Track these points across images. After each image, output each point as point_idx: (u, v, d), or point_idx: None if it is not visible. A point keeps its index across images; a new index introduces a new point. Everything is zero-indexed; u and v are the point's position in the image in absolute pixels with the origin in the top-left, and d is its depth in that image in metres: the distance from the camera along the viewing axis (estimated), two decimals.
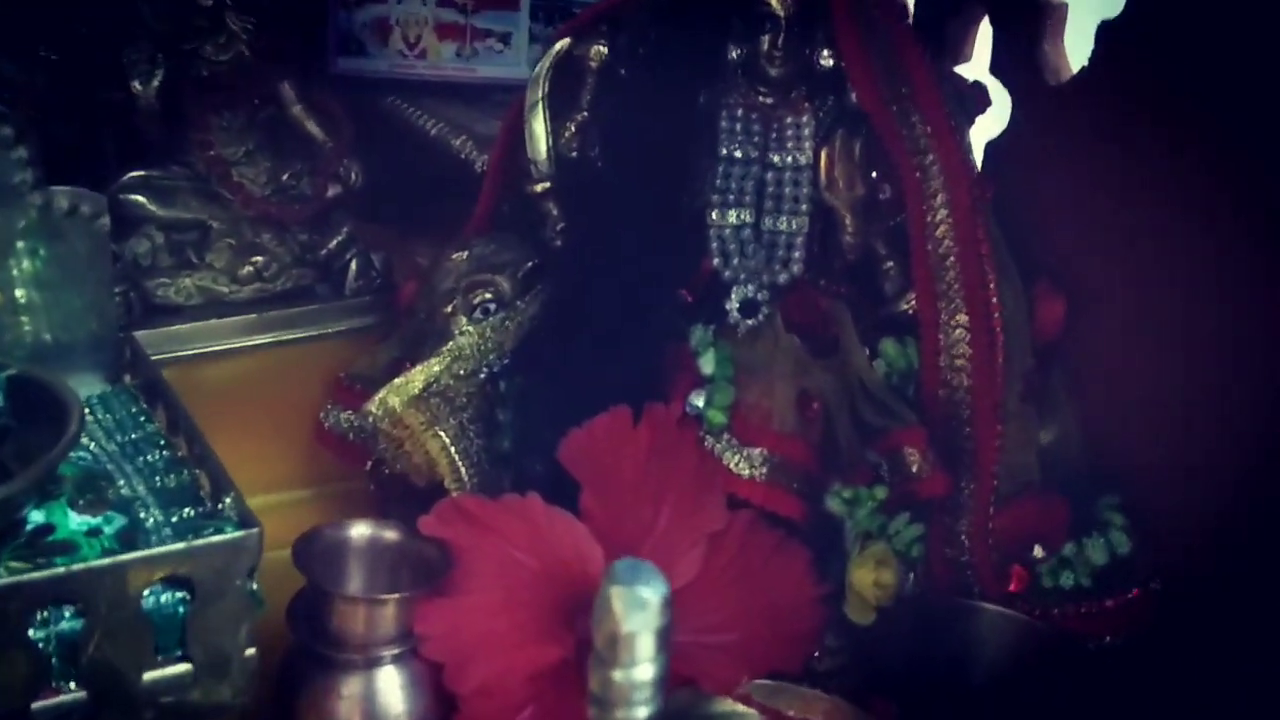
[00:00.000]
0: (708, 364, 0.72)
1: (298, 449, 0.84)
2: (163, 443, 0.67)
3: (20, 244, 0.73)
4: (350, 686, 0.62)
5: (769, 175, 0.75)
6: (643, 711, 0.38)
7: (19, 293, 0.74)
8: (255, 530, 0.58)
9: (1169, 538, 0.75)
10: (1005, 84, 0.82)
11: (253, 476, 0.65)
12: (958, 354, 0.76)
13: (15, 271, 0.73)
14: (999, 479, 0.76)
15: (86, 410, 0.70)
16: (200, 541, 0.56)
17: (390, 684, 0.62)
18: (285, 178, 0.87)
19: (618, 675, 0.37)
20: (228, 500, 0.60)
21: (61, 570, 0.53)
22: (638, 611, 0.37)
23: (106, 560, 0.54)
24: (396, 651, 0.62)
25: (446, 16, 1.06)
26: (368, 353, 0.84)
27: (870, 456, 0.75)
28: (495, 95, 1.06)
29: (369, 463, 0.80)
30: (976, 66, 0.85)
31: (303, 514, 0.75)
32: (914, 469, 0.74)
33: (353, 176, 0.88)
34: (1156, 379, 0.75)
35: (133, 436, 0.68)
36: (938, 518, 0.76)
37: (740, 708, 0.68)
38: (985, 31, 0.85)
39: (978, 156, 0.82)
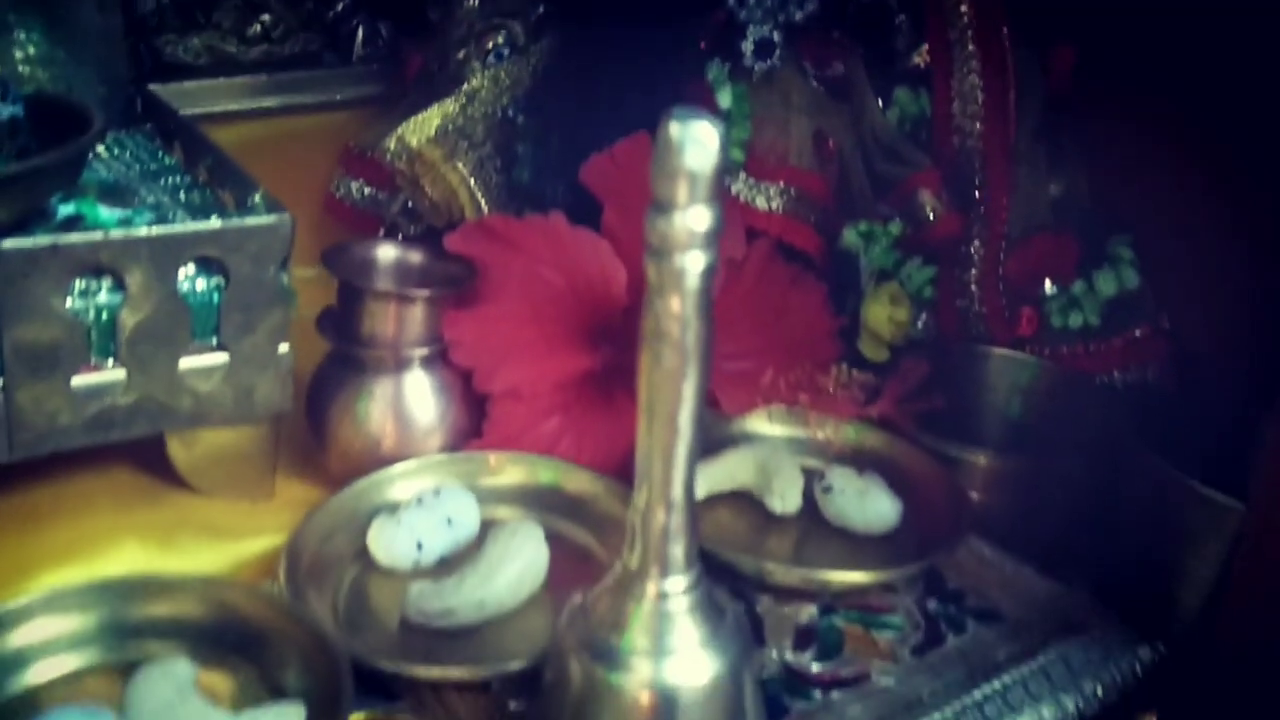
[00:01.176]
0: (724, 98, 0.72)
1: (307, 221, 0.84)
2: (182, 171, 0.67)
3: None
4: (381, 388, 0.62)
5: None
6: (700, 259, 0.38)
7: (31, 48, 0.74)
8: (286, 215, 0.58)
9: (1176, 279, 0.76)
10: None
11: None
12: (971, 100, 0.76)
13: (23, 32, 0.73)
14: (1009, 224, 0.77)
15: (104, 149, 0.70)
16: (234, 222, 0.56)
17: (419, 387, 0.63)
18: None
19: (675, 218, 0.38)
20: (256, 197, 0.60)
21: (99, 235, 0.53)
22: (697, 146, 0.37)
23: (142, 231, 0.54)
24: (425, 353, 0.63)
25: None
26: (376, 121, 0.83)
27: (883, 209, 0.76)
28: None
29: (381, 231, 0.80)
30: None
31: (312, 289, 0.75)
32: (928, 211, 0.75)
33: None
34: (1166, 128, 0.76)
35: (152, 167, 0.68)
36: (948, 270, 0.77)
37: (758, 428, 0.69)
38: None
39: None
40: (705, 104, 0.73)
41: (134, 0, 0.80)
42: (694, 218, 0.38)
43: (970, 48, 0.77)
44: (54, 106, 0.63)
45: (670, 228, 0.38)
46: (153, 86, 0.77)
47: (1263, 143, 0.72)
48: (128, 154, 0.70)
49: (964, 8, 0.76)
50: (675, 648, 0.43)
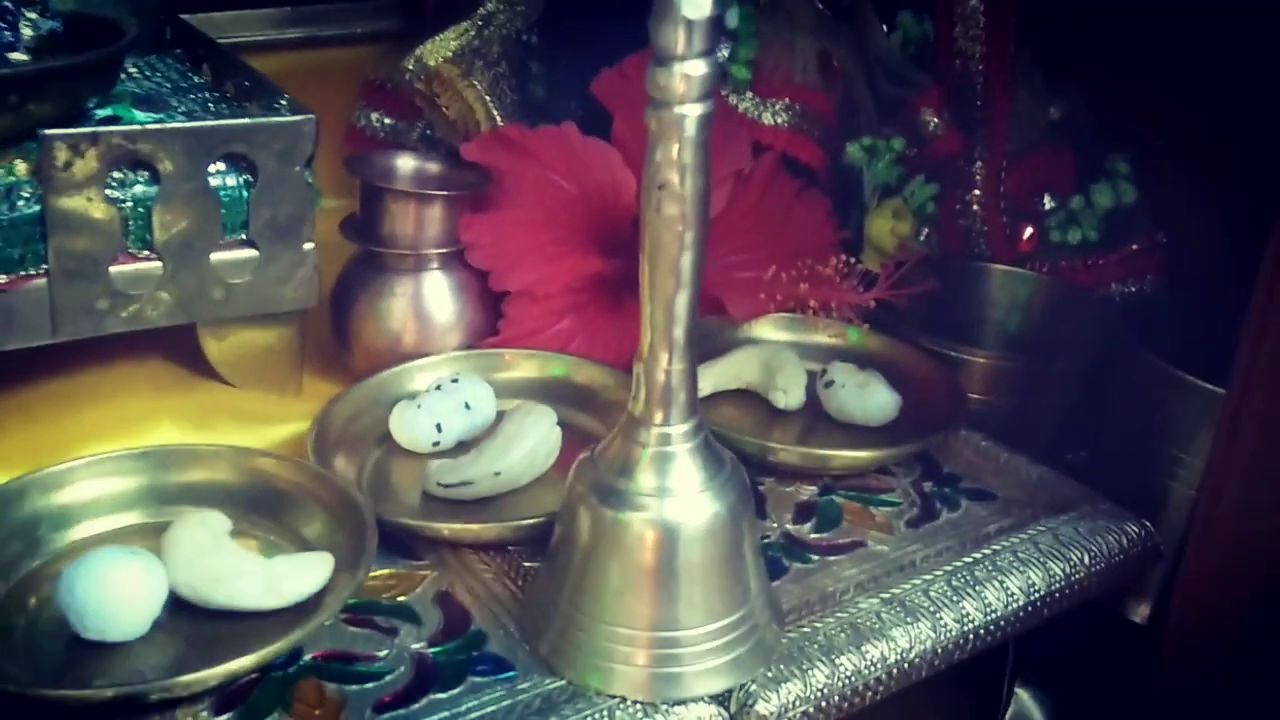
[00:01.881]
0: (731, 18, 0.75)
1: (330, 152, 0.87)
2: (211, 89, 0.70)
3: None
4: (402, 286, 0.65)
5: None
6: (698, 108, 0.41)
7: None
8: (311, 116, 0.61)
9: (1173, 194, 0.79)
10: None
11: None
12: (972, 21, 0.79)
13: None
14: (1010, 141, 0.79)
15: (135, 69, 0.73)
16: (262, 119, 0.59)
17: (438, 286, 0.66)
18: None
19: (675, 69, 0.41)
20: (283, 102, 0.63)
21: (136, 126, 0.56)
22: None
23: (176, 124, 0.57)
24: (444, 254, 0.66)
25: None
26: (396, 54, 0.86)
27: (886, 131, 0.79)
28: None
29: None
30: None
31: (337, 219, 0.78)
32: (930, 128, 0.77)
33: None
34: (1161, 53, 0.78)
35: (183, 85, 0.71)
36: (950, 189, 0.79)
37: (764, 333, 0.72)
38: None
39: None
40: None
41: None
42: (692, 67, 0.41)
43: None
44: (90, 22, 0.67)
45: (670, 78, 0.41)
46: (183, 16, 0.81)
47: (1251, 67, 0.74)
48: (158, 75, 0.73)
49: None
50: (677, 489, 0.46)
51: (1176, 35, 0.78)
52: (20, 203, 0.55)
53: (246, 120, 0.59)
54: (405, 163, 0.70)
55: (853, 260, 0.68)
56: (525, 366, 0.66)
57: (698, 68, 0.41)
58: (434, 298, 0.66)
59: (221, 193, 0.60)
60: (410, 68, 0.75)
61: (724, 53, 0.74)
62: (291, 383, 0.66)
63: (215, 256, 0.61)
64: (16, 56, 0.61)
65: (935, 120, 0.78)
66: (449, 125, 0.76)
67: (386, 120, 0.85)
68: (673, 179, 0.42)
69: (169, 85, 0.71)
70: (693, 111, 0.41)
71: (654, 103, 0.42)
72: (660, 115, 0.42)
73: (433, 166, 0.70)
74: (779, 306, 0.71)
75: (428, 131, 0.81)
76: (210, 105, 0.67)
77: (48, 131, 0.54)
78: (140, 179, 0.58)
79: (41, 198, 0.55)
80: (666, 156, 0.42)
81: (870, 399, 0.65)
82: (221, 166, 0.60)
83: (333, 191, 0.89)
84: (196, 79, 0.72)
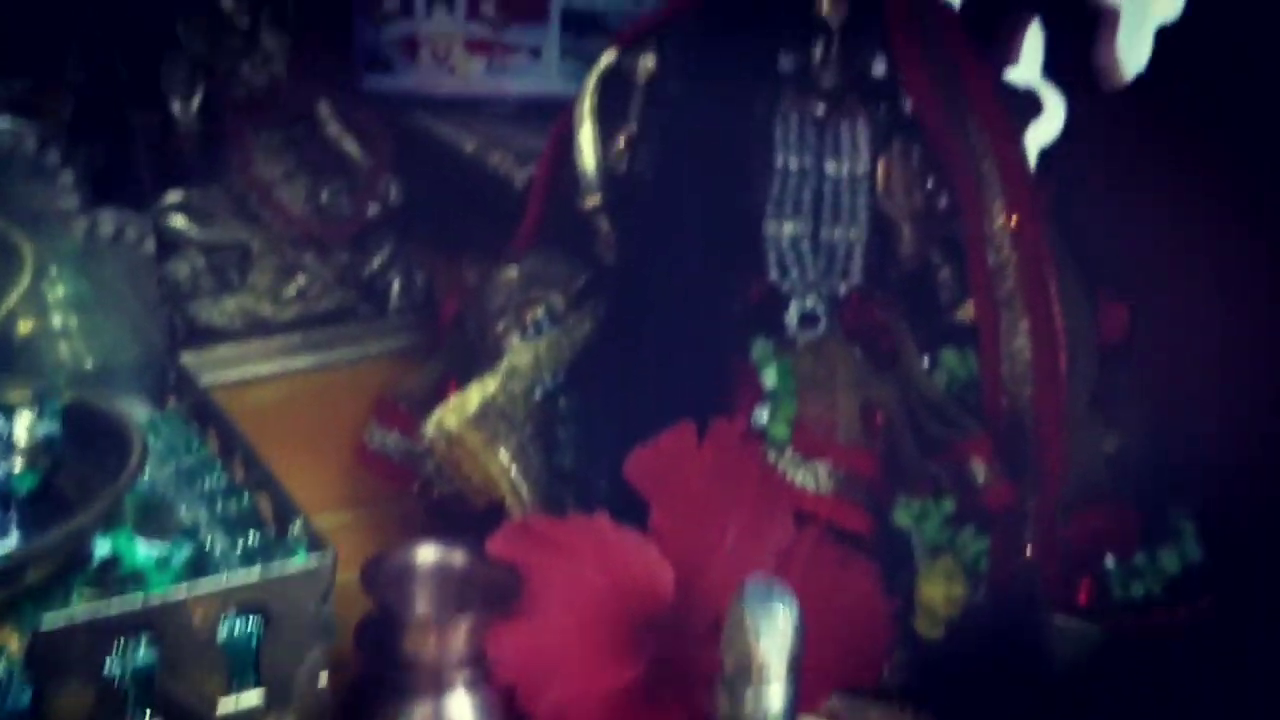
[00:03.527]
0: (770, 378, 0.71)
1: (341, 471, 0.83)
2: (218, 467, 0.66)
3: (63, 268, 0.72)
4: (422, 711, 0.60)
5: (826, 185, 0.74)
6: None
7: (59, 317, 0.73)
8: (329, 553, 0.56)
9: (1241, 542, 0.74)
10: (1059, 87, 0.81)
11: (299, 498, 0.64)
12: (1020, 362, 0.75)
13: (56, 295, 0.72)
14: (1065, 489, 0.75)
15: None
16: (275, 572, 0.55)
17: (462, 708, 0.61)
18: (324, 197, 0.86)
19: (748, 695, 0.36)
20: (296, 525, 0.59)
21: (138, 604, 0.52)
22: (771, 630, 0.35)
23: (182, 594, 0.53)
24: (468, 675, 0.61)
25: (476, 31, 1.05)
26: (412, 371, 0.83)
27: (933, 468, 0.74)
28: (526, 110, 1.05)
29: (417, 484, 0.79)
30: (1026, 69, 0.85)
31: (347, 537, 0.73)
32: (980, 480, 0.73)
33: (391, 194, 0.87)
34: (1223, 381, 0.74)
35: (187, 462, 0.67)
36: (1003, 530, 0.75)
37: None
38: (1034, 33, 0.84)
39: (1031, 162, 0.81)
40: (750, 383, 0.71)
41: (166, 264, 0.80)
42: (769, 695, 0.36)
43: (1018, 307, 0.75)
44: (92, 416, 0.63)
45: (741, 707, 0.36)
46: (185, 356, 0.77)
47: None
48: (162, 443, 0.69)
49: (1010, 266, 0.75)
50: None
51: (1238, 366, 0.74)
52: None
53: (257, 576, 0.54)
54: (425, 557, 0.65)
55: None
56: None
57: (774, 694, 0.36)
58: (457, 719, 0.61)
59: (229, 645, 0.55)
60: (431, 432, 0.71)
61: (763, 416, 0.70)
62: None
63: (222, 708, 0.56)
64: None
65: (985, 469, 0.73)
66: (472, 488, 0.71)
67: (401, 442, 0.81)
68: None
69: (173, 465, 0.66)
70: None
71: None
72: None
73: (457, 558, 0.65)
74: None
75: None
76: (219, 504, 0.63)
77: (43, 624, 0.49)
78: (142, 642, 0.53)
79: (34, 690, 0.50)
80: None
81: None
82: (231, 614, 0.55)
83: (343, 504, 0.85)
84: (203, 451, 0.68)
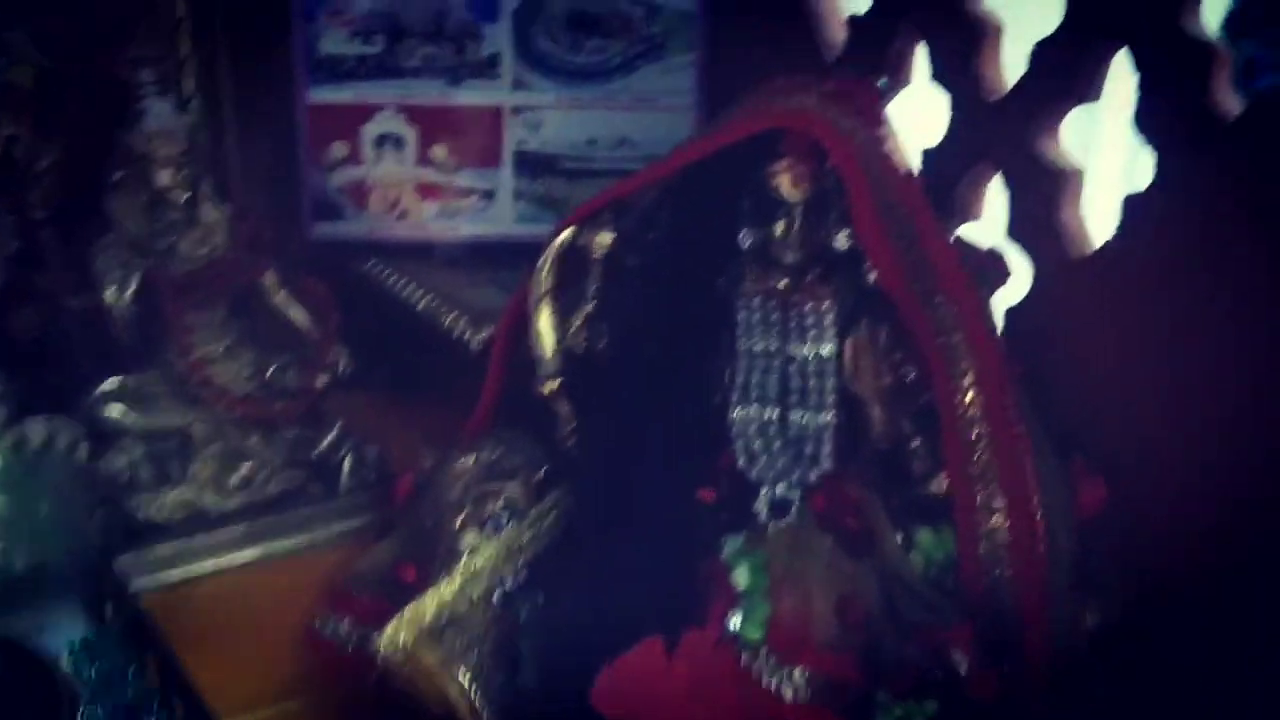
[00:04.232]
0: (742, 578, 0.68)
1: (290, 660, 0.79)
2: (157, 705, 0.62)
3: None
4: None
5: (792, 368, 0.72)
6: None
7: None
8: None
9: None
10: (1024, 249, 0.80)
11: (245, 692, 0.65)
12: (997, 541, 0.72)
13: None
14: (1047, 668, 0.72)
15: (71, 662, 0.65)
16: None
17: None
18: (270, 372, 0.82)
19: None
20: None
21: None
22: None
23: None
24: None
25: (428, 176, 1.02)
26: (364, 555, 0.79)
27: (913, 654, 0.72)
28: (478, 252, 1.03)
29: (372, 675, 0.75)
30: (988, 228, 0.83)
31: None
32: (961, 670, 0.70)
33: (341, 365, 0.83)
34: (1203, 547, 0.72)
35: (128, 697, 0.62)
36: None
37: None
38: (996, 190, 0.82)
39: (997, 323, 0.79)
40: (721, 584, 0.68)
41: (103, 457, 0.75)
42: None
43: (993, 483, 0.73)
44: (20, 662, 0.59)
45: None
46: (124, 558, 0.72)
47: None
48: (96, 675, 0.64)
49: (983, 441, 0.73)
50: None
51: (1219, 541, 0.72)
52: None
53: None
54: None
55: None
56: None
57: None
58: None
59: None
60: (386, 648, 0.67)
61: (735, 619, 0.67)
62: None
63: None
64: None
65: (967, 660, 0.70)
66: (430, 702, 0.67)
67: (351, 628, 0.77)
68: None
69: (109, 702, 0.62)
70: None
71: None
72: None
73: None
74: None
75: None
76: None
77: None
78: None
79: None
80: None
81: None
82: None
83: (285, 694, 0.81)
84: (141, 682, 0.64)
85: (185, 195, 0.78)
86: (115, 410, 0.77)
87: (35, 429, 0.67)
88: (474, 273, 1.01)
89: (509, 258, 1.03)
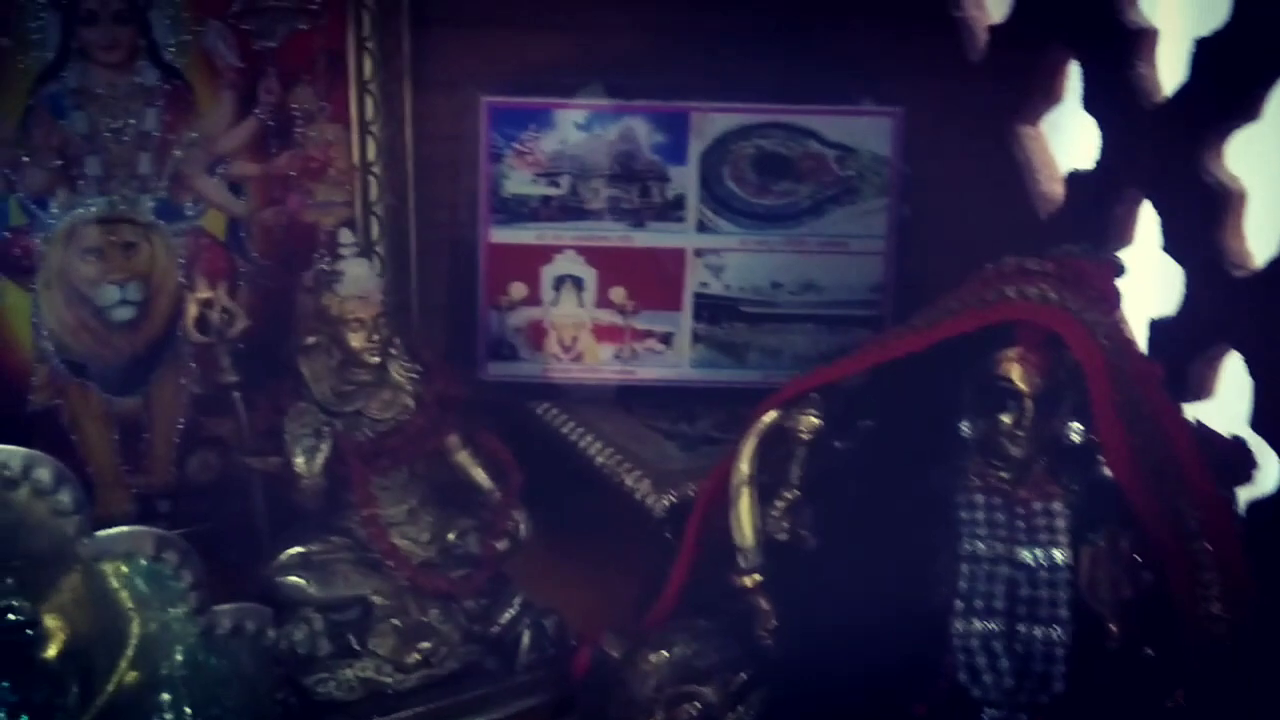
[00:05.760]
0: None
1: None
2: None
3: (177, 664, 0.66)
4: None
5: (1020, 575, 0.65)
6: None
7: (167, 694, 0.67)
8: None
9: None
10: (1267, 441, 0.72)
11: None
12: None
13: (169, 695, 0.66)
14: None
15: None
16: None
17: None
18: (451, 537, 0.79)
19: None
20: None
21: None
22: None
23: None
24: None
25: (605, 318, 0.99)
26: None
27: None
28: (653, 397, 0.99)
29: None
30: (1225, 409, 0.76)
31: None
32: None
33: (522, 529, 0.80)
34: None
35: None
36: None
37: None
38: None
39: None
40: None
41: (282, 628, 0.73)
42: None
43: None
44: None
45: None
46: None
47: None
48: None
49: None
50: None
51: None
52: None
53: None
54: None
55: None
56: None
57: None
58: None
59: None
60: None
61: None
62: None
63: None
64: None
65: None
66: None
67: None
68: None
69: None
70: None
71: None
72: None
73: None
74: None
75: None
76: None
77: None
78: None
79: None
80: None
81: None
82: None
83: None
84: None
85: (377, 358, 0.76)
86: (296, 580, 0.74)
87: (224, 615, 0.65)
88: (649, 419, 0.97)
89: (685, 403, 0.99)
